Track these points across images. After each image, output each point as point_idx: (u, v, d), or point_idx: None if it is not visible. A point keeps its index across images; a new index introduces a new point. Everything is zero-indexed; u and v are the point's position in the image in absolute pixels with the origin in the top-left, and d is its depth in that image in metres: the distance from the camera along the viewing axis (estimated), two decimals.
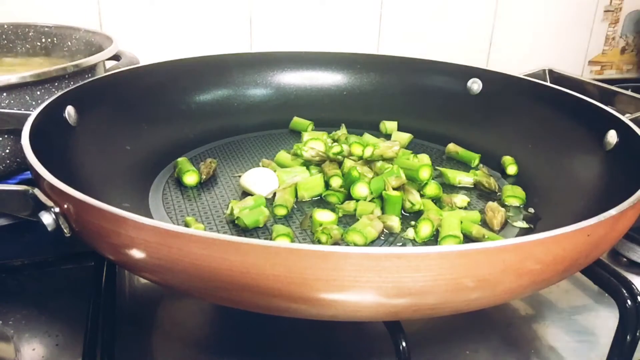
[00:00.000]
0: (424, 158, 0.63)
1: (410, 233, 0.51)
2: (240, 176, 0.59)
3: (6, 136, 0.56)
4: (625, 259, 0.57)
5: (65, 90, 0.56)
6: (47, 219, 0.38)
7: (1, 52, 0.75)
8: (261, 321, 0.46)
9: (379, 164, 0.59)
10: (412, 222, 0.53)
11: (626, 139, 0.53)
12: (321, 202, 0.57)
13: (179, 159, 0.61)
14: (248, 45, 0.97)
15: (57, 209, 0.38)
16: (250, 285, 0.33)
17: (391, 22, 1.03)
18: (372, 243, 0.50)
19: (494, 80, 0.71)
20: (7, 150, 0.57)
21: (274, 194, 0.56)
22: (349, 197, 0.56)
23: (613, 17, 1.18)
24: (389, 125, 0.73)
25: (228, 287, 0.34)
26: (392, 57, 0.79)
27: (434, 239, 0.51)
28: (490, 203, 0.55)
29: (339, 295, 0.33)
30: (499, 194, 0.59)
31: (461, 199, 0.57)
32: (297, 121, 0.74)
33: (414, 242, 0.50)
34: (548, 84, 0.69)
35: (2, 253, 0.54)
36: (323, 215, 0.52)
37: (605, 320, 0.49)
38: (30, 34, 0.76)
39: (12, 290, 0.50)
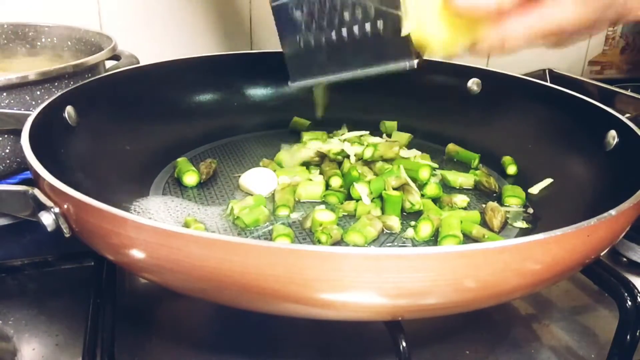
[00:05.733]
0: (424, 158, 0.63)
1: (410, 233, 0.51)
2: (240, 176, 0.59)
3: (6, 136, 0.56)
4: (625, 259, 0.57)
5: (65, 90, 0.56)
6: (46, 219, 0.38)
7: (1, 52, 0.75)
8: (261, 321, 0.46)
9: (379, 164, 0.59)
10: (412, 222, 0.53)
11: (626, 139, 0.53)
12: (321, 202, 0.57)
13: (179, 159, 0.61)
14: (248, 45, 0.97)
15: (57, 209, 0.38)
16: (250, 285, 0.33)
17: None
18: (372, 243, 0.50)
19: (494, 80, 0.71)
20: (7, 150, 0.56)
21: (273, 194, 0.56)
22: (349, 197, 0.56)
23: None
24: (389, 125, 0.73)
25: (228, 287, 0.34)
26: None
27: (434, 239, 0.51)
28: (490, 203, 0.55)
29: (339, 295, 0.33)
30: (496, 194, 0.59)
31: (461, 199, 0.56)
32: (297, 121, 0.74)
33: (413, 242, 0.51)
34: (548, 84, 0.69)
35: (2, 253, 0.54)
36: (323, 215, 0.52)
37: (605, 320, 0.49)
38: (30, 34, 0.76)
39: (12, 290, 0.50)
